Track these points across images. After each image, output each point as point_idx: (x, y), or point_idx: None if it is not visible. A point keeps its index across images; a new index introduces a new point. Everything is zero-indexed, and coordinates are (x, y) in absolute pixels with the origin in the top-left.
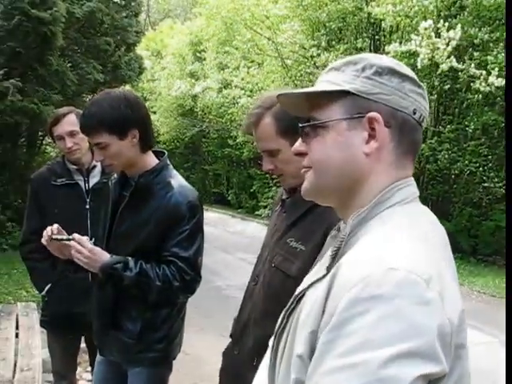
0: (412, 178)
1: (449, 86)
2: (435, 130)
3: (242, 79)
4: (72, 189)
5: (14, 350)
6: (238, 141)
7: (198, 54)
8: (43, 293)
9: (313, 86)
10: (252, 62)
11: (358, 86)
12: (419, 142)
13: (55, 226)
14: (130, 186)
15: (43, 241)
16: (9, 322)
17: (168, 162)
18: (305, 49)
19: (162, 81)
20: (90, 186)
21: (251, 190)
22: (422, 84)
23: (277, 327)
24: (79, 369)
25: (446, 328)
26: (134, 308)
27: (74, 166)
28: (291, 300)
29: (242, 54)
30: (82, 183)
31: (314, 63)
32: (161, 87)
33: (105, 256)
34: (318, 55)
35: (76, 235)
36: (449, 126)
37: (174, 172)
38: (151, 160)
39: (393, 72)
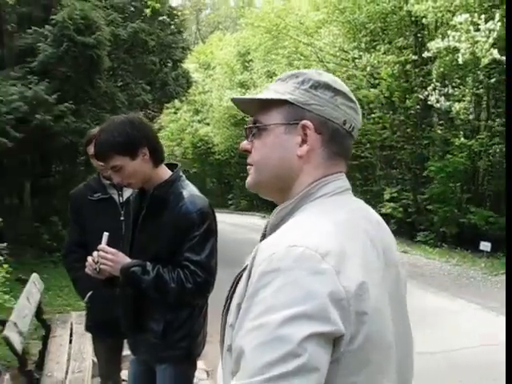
0: (342, 175)
1: (495, 78)
2: (486, 125)
3: None
4: (107, 203)
5: (67, 354)
6: None
7: (246, 64)
8: (85, 300)
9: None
10: (297, 68)
11: (297, 96)
12: (349, 148)
13: (95, 254)
14: (147, 198)
15: (87, 270)
16: (63, 329)
17: (180, 173)
18: (345, 52)
19: (213, 92)
20: (124, 199)
21: None
22: (354, 99)
23: (223, 307)
24: (124, 370)
25: (341, 294)
26: (155, 309)
27: (108, 181)
28: (232, 282)
29: (288, 61)
30: (116, 197)
31: (355, 65)
32: (212, 99)
33: (125, 259)
34: (360, 57)
35: (100, 246)
36: (498, 120)
37: (186, 182)
38: (165, 173)
39: (327, 87)
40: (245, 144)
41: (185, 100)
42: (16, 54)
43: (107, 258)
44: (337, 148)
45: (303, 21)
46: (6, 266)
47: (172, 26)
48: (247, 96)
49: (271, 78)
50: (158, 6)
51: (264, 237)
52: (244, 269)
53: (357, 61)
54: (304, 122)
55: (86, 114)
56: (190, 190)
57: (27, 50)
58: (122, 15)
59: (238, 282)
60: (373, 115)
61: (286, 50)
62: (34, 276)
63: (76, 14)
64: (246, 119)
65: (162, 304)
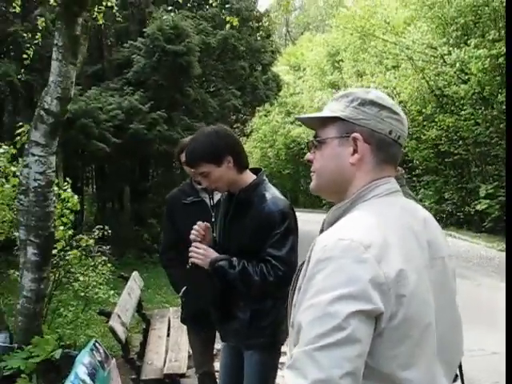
0: (391, 178)
1: None
2: None
3: (379, 84)
4: (199, 205)
5: (166, 345)
6: None
7: (335, 64)
8: (180, 294)
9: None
10: (386, 67)
11: (347, 113)
12: (396, 155)
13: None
14: (233, 200)
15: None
16: (162, 323)
17: (264, 177)
18: (434, 48)
19: (304, 93)
20: (214, 202)
21: None
22: (398, 111)
23: (290, 290)
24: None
25: (381, 279)
26: (242, 300)
27: (200, 186)
28: (298, 267)
29: (377, 60)
30: (207, 200)
31: (444, 61)
32: (303, 100)
33: (214, 254)
34: (449, 53)
35: (192, 235)
36: None
37: (269, 185)
38: (249, 177)
39: (373, 103)
40: (308, 155)
41: (276, 102)
42: (114, 66)
43: (199, 252)
44: (384, 155)
45: (390, 19)
46: (109, 265)
47: (260, 31)
48: (307, 115)
49: (361, 77)
50: (235, 22)
51: (321, 232)
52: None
53: (446, 57)
54: (354, 134)
55: (177, 123)
56: (272, 192)
57: (124, 62)
58: (212, 24)
59: (301, 270)
60: (463, 112)
61: (374, 50)
62: (135, 274)
63: (166, 25)
64: None
65: (247, 295)
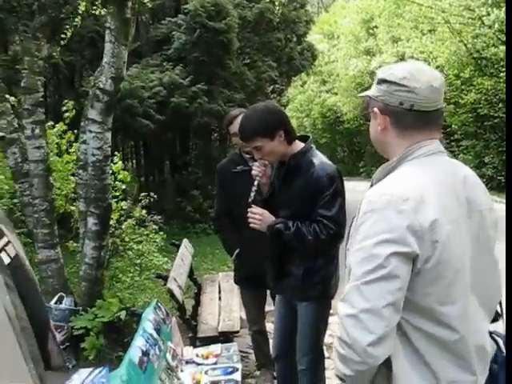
0: (434, 140)
1: None
2: None
3: (415, 50)
4: (248, 174)
5: (218, 307)
6: None
7: (370, 31)
8: (233, 257)
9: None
10: (422, 31)
11: (372, 92)
12: (418, 121)
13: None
14: (284, 167)
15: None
16: (213, 287)
17: (311, 145)
18: (471, 10)
19: (339, 62)
20: None
21: None
22: (407, 83)
23: (346, 239)
24: (269, 324)
25: (416, 227)
26: (296, 257)
27: (248, 155)
28: (351, 221)
29: (413, 25)
30: None
31: (483, 23)
32: (338, 68)
33: (271, 218)
34: (488, 14)
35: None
36: None
37: (316, 152)
38: (297, 146)
39: (384, 81)
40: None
41: (311, 72)
42: (153, 43)
43: (256, 217)
44: (404, 124)
45: None
46: (161, 233)
47: (294, 3)
48: (361, 94)
49: (396, 43)
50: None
51: (371, 187)
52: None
53: (484, 18)
54: (374, 109)
55: (217, 96)
56: (319, 158)
57: (163, 38)
58: None
59: (352, 222)
60: (502, 73)
61: (409, 15)
62: (185, 241)
63: (207, 2)
64: None
65: (301, 253)
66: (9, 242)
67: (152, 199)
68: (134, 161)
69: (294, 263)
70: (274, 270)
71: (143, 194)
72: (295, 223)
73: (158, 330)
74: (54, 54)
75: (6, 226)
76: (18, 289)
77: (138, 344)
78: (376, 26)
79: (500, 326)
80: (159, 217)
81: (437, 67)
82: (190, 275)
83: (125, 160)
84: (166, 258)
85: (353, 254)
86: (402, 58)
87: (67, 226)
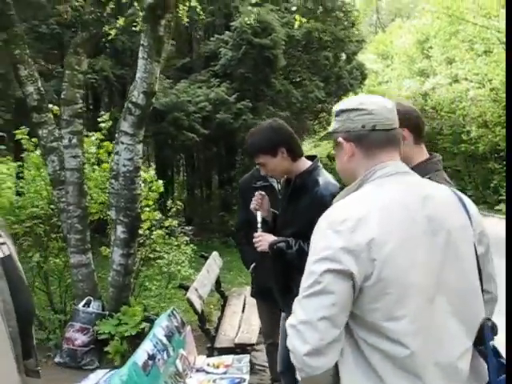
0: (391, 162)
1: None
2: None
3: (469, 71)
4: (268, 189)
5: (239, 320)
6: (472, 135)
7: (425, 52)
8: (250, 270)
9: None
10: (476, 52)
11: (333, 127)
12: (381, 140)
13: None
14: (291, 185)
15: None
16: (238, 300)
17: (318, 164)
18: None
19: (393, 82)
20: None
21: (492, 185)
22: (365, 107)
23: None
24: None
25: (351, 247)
26: (298, 274)
27: None
28: None
29: (468, 46)
30: (275, 184)
31: None
32: (391, 88)
33: (271, 238)
34: None
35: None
36: None
37: (323, 171)
38: (304, 164)
39: (342, 111)
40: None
41: (361, 91)
42: (202, 59)
43: (257, 240)
44: (367, 144)
45: (482, 2)
46: (191, 245)
47: (346, 22)
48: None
49: (450, 64)
50: (299, 21)
51: None
52: None
53: None
54: (338, 140)
55: (262, 112)
56: (324, 177)
57: (211, 55)
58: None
59: None
60: None
61: (463, 34)
62: (215, 253)
63: (253, 19)
64: (425, 108)
65: (303, 271)
66: (4, 243)
67: (178, 204)
68: (185, 173)
69: (296, 281)
70: (277, 286)
71: (170, 201)
72: (297, 242)
73: (169, 337)
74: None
75: (3, 230)
76: (8, 281)
77: (146, 347)
78: (431, 47)
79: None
80: (190, 227)
81: (491, 90)
82: (218, 288)
83: (175, 173)
84: (193, 270)
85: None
86: (455, 80)
87: (104, 232)
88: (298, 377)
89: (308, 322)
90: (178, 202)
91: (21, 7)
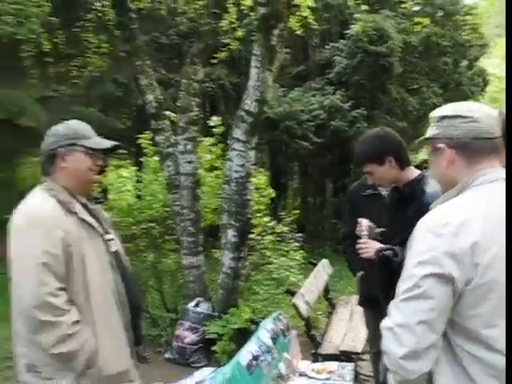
0: (491, 169)
1: None
2: None
3: None
4: (376, 197)
5: (346, 328)
6: None
7: None
8: (357, 278)
9: None
10: None
11: (432, 132)
12: (482, 148)
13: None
14: (399, 193)
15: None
16: (345, 308)
17: (426, 173)
18: None
19: None
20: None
21: None
22: (471, 114)
23: None
24: None
25: (454, 251)
26: None
27: None
28: None
29: None
30: (384, 193)
31: None
32: None
33: (377, 245)
34: None
35: (357, 231)
36: None
37: (429, 180)
38: (412, 173)
39: (444, 117)
40: None
41: (482, 98)
42: (317, 67)
43: (362, 247)
44: (468, 153)
45: None
46: (301, 251)
47: (466, 26)
48: (419, 139)
49: None
50: (426, 21)
51: None
52: None
53: None
54: (438, 145)
55: (378, 120)
56: (432, 186)
57: (326, 63)
58: (413, 21)
59: None
60: None
61: None
62: (324, 261)
63: (369, 27)
64: None
65: None
66: (113, 239)
67: (294, 212)
68: (298, 181)
69: None
70: (383, 293)
71: (283, 212)
72: (404, 250)
73: (274, 340)
74: (222, 76)
75: (110, 227)
76: (120, 274)
77: (250, 348)
78: None
79: None
80: (300, 234)
81: None
82: (326, 295)
83: (289, 180)
84: (302, 276)
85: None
86: None
87: (216, 236)
88: (391, 380)
89: (405, 325)
90: (292, 209)
91: (143, 20)
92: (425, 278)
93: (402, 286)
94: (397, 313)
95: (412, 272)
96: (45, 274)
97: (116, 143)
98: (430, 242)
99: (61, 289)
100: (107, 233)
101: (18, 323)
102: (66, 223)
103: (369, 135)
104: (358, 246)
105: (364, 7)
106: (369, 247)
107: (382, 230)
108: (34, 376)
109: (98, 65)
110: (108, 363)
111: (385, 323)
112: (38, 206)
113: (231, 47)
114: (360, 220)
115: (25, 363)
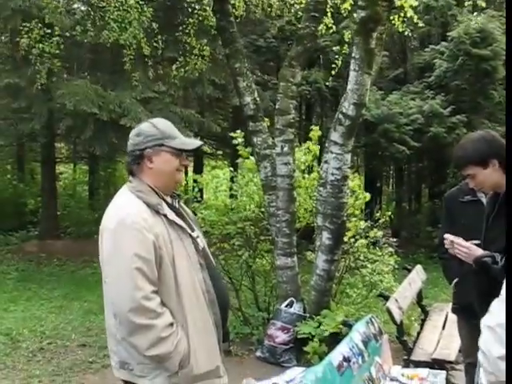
0: None
1: None
2: None
3: None
4: (475, 204)
5: (439, 335)
6: None
7: None
8: (452, 285)
9: None
10: None
11: None
12: None
13: (454, 238)
14: (499, 199)
15: (446, 243)
16: (439, 316)
17: None
18: None
19: None
20: None
21: None
22: None
23: None
24: None
25: None
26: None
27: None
28: None
29: None
30: (483, 199)
31: None
32: None
33: (478, 251)
34: None
35: (455, 239)
36: None
37: None
38: None
39: None
40: None
41: None
42: (416, 70)
43: (462, 250)
44: None
45: None
46: (395, 256)
47: None
48: None
49: None
50: None
51: None
52: None
53: None
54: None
55: (478, 127)
56: None
57: (425, 66)
58: None
59: None
60: None
61: None
62: (418, 267)
63: (472, 29)
64: None
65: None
66: (198, 236)
67: (387, 214)
68: (394, 185)
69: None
70: (479, 300)
71: (379, 213)
72: (503, 258)
73: (365, 343)
74: (319, 79)
75: (196, 224)
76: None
77: (342, 350)
78: None
79: None
80: (395, 239)
81: None
82: (419, 301)
83: (384, 184)
84: (395, 282)
85: None
86: None
87: (310, 238)
88: (481, 381)
89: None
90: (387, 213)
91: (242, 24)
92: None
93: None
94: (500, 312)
95: None
96: (139, 279)
97: (201, 143)
98: None
99: (154, 292)
100: (193, 230)
101: (111, 322)
102: (156, 225)
103: (473, 137)
104: (455, 246)
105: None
106: (469, 253)
107: (475, 242)
108: (127, 373)
109: (198, 67)
110: (200, 362)
111: (486, 321)
112: (128, 209)
113: (344, 51)
114: (446, 236)
115: (118, 360)
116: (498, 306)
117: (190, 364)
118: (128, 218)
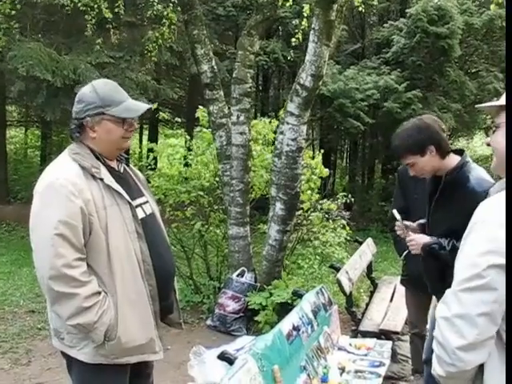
0: None
1: None
2: None
3: None
4: (424, 180)
5: (387, 307)
6: None
7: None
8: (402, 257)
9: None
10: None
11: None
12: None
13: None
14: (440, 183)
15: (397, 229)
16: (388, 288)
17: (467, 159)
18: None
19: None
20: None
21: None
22: None
23: None
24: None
25: None
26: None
27: None
28: None
29: None
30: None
31: None
32: None
33: (423, 239)
34: None
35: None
36: None
37: (473, 166)
38: (452, 160)
39: None
40: (488, 139)
41: None
42: (373, 45)
43: (412, 243)
44: None
45: None
46: (347, 228)
47: None
48: (487, 104)
49: None
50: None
51: None
52: None
53: None
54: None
55: (432, 103)
56: (476, 173)
57: (383, 42)
58: (477, 2)
59: None
60: None
61: None
62: (369, 240)
63: (430, 6)
64: None
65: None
66: (147, 201)
67: (349, 197)
68: (348, 160)
69: (448, 272)
70: (431, 286)
71: (342, 193)
72: (450, 241)
73: (315, 312)
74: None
75: (146, 188)
76: (150, 241)
77: (291, 319)
78: None
79: None
80: (347, 212)
81: None
82: (369, 274)
83: (338, 158)
84: (346, 253)
85: (458, 260)
86: None
87: (263, 210)
88: (435, 372)
89: (466, 316)
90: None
91: None
92: (488, 268)
93: (461, 274)
94: (455, 303)
95: (475, 261)
96: (61, 246)
97: (149, 106)
98: (494, 231)
99: (79, 259)
100: (140, 196)
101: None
102: (89, 190)
103: (408, 126)
104: (408, 243)
105: None
106: (415, 243)
107: (421, 222)
108: (59, 342)
109: (166, 37)
110: (129, 334)
111: (441, 312)
112: (59, 173)
113: (303, 26)
114: (397, 223)
115: (52, 328)
116: (452, 297)
117: (118, 336)
118: (56, 182)
